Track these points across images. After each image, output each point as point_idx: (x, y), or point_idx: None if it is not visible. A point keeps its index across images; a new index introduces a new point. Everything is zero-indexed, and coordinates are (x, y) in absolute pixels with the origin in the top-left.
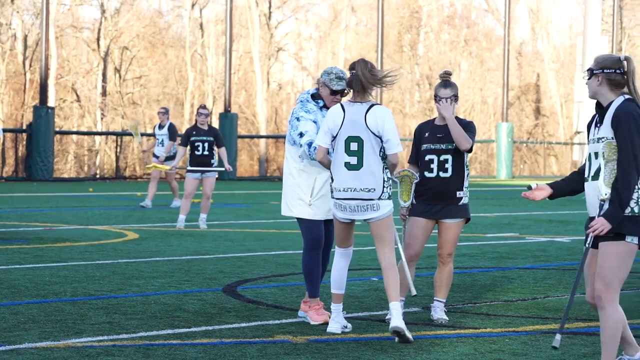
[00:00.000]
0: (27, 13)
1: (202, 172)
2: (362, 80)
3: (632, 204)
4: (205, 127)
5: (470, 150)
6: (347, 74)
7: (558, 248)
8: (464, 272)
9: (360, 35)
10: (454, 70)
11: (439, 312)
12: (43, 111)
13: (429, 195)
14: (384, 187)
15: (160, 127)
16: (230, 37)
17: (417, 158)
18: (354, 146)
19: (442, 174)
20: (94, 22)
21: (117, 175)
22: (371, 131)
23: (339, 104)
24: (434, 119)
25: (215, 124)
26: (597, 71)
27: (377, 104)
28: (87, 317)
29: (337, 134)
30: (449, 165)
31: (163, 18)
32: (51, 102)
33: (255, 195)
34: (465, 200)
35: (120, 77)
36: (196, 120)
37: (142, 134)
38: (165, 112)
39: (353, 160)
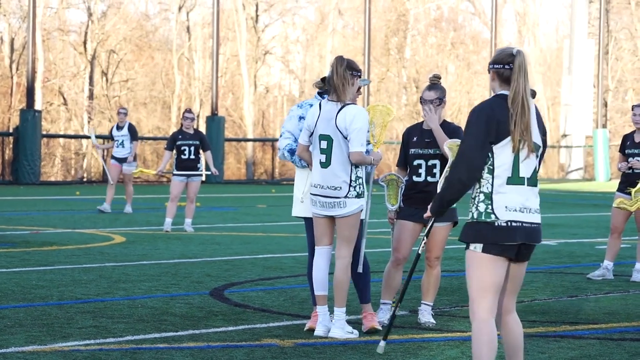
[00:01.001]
0: (14, 16)
1: (188, 176)
2: (333, 77)
3: (472, 209)
4: (191, 131)
5: None
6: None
7: (544, 251)
8: (451, 275)
9: (348, 38)
10: (440, 73)
11: (426, 315)
12: (30, 114)
13: (416, 200)
14: (350, 185)
15: (119, 128)
16: (217, 40)
17: (405, 162)
18: (324, 144)
19: (430, 179)
20: (81, 25)
21: (104, 179)
22: (340, 131)
23: (318, 102)
24: (422, 122)
25: (202, 127)
26: (489, 66)
27: (352, 104)
28: (74, 321)
29: (312, 132)
30: (437, 170)
31: (150, 21)
32: (38, 106)
33: (242, 199)
34: (452, 204)
35: (107, 80)
36: (182, 124)
37: (97, 136)
38: (125, 112)
39: (323, 158)
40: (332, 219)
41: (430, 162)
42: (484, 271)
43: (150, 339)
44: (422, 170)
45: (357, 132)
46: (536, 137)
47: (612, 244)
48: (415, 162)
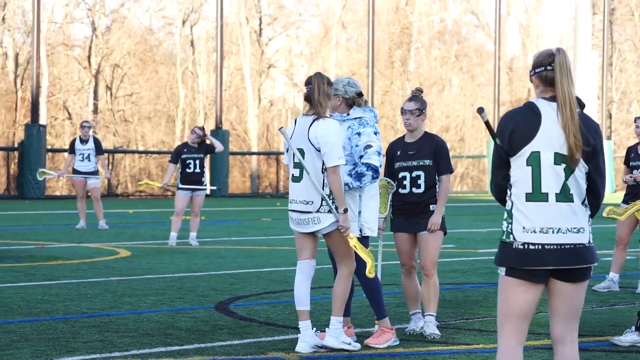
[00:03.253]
0: (18, 31)
1: (193, 190)
2: (314, 93)
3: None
4: (196, 145)
5: (452, 171)
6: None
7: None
8: (456, 287)
9: (351, 51)
10: (444, 86)
11: (431, 327)
12: (34, 129)
13: (404, 211)
14: (322, 199)
15: (83, 141)
16: (221, 54)
17: (391, 177)
18: (296, 158)
19: (414, 190)
20: (85, 40)
21: (109, 193)
22: (311, 144)
23: (295, 119)
24: (404, 136)
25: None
26: (530, 74)
27: (325, 117)
28: (80, 335)
29: (288, 146)
30: (421, 181)
31: (154, 35)
32: (43, 120)
33: (246, 212)
34: (433, 208)
35: (111, 94)
36: (189, 140)
37: (48, 173)
38: (89, 126)
39: (296, 172)
40: (313, 235)
41: (414, 174)
42: (509, 295)
43: (156, 353)
44: (407, 182)
45: (332, 147)
46: (561, 147)
47: (618, 255)
48: (401, 175)
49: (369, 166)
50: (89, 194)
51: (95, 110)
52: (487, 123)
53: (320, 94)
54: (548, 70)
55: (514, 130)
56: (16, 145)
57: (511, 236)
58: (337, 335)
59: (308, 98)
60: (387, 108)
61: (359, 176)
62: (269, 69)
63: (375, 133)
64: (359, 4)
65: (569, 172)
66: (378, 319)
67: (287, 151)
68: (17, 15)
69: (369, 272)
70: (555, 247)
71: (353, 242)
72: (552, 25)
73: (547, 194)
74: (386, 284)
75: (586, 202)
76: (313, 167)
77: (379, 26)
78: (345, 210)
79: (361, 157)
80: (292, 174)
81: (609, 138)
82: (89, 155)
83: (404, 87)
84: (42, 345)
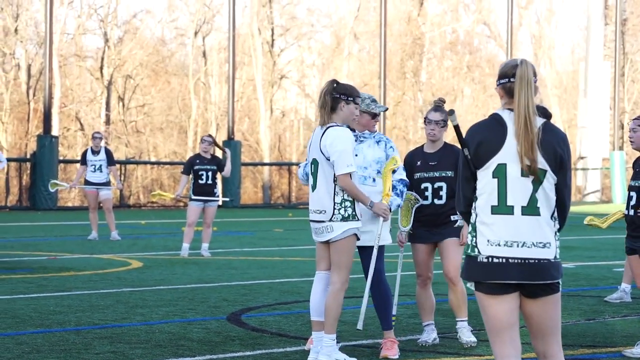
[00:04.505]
0: (31, 42)
1: (205, 201)
2: (319, 101)
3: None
4: (209, 156)
5: None
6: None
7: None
8: (469, 298)
9: (363, 62)
10: (456, 96)
11: (466, 333)
12: (47, 140)
13: (425, 222)
14: (334, 208)
15: (95, 152)
16: (233, 64)
17: (410, 187)
18: (313, 168)
19: (436, 201)
20: (97, 51)
21: (121, 204)
22: (322, 153)
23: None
24: (423, 145)
25: (219, 152)
26: (496, 83)
27: (336, 125)
28: (92, 347)
29: (307, 158)
30: (443, 193)
31: (166, 46)
32: (55, 131)
33: (259, 223)
34: (460, 224)
35: (123, 105)
36: (200, 149)
37: (60, 185)
38: (100, 137)
39: (312, 181)
40: (326, 243)
41: (437, 185)
42: (486, 309)
43: None
44: (429, 194)
45: (340, 154)
46: (540, 161)
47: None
48: (422, 186)
49: (404, 183)
50: (101, 205)
51: (108, 121)
52: (456, 127)
53: (319, 103)
54: (511, 82)
55: (481, 142)
56: (28, 156)
57: (476, 249)
58: (330, 354)
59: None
60: (399, 119)
61: (402, 194)
62: (281, 79)
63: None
64: (371, 15)
65: (537, 184)
66: (386, 329)
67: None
68: (30, 27)
69: None
70: (519, 261)
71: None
72: (564, 35)
73: (512, 206)
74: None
75: (555, 215)
76: (324, 176)
77: (391, 37)
78: (372, 204)
79: (394, 172)
80: (310, 184)
81: (621, 149)
82: (100, 166)
83: (416, 97)
84: (54, 356)
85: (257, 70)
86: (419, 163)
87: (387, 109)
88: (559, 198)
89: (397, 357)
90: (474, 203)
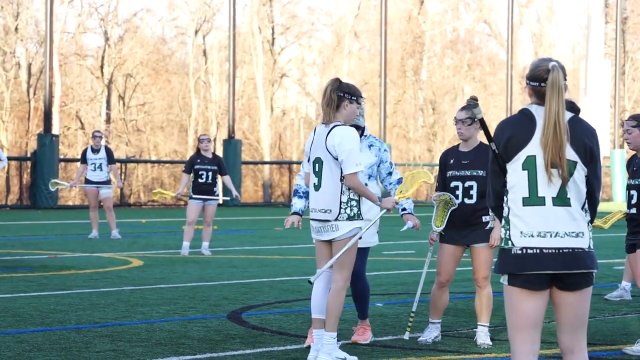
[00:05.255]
0: (31, 41)
1: (205, 200)
2: (322, 100)
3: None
4: (210, 155)
5: None
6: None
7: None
8: (469, 296)
9: (364, 60)
10: (457, 95)
11: (482, 337)
12: (47, 139)
13: (455, 222)
14: (340, 208)
15: (95, 151)
16: (233, 63)
17: (443, 186)
18: (317, 167)
19: (467, 201)
20: (98, 49)
21: (122, 202)
22: (329, 152)
23: (314, 127)
24: (459, 144)
25: (220, 150)
26: (526, 81)
27: (341, 124)
28: (92, 345)
29: (309, 156)
30: (473, 192)
31: (166, 45)
32: (55, 130)
33: (259, 222)
34: (492, 225)
35: (124, 104)
36: (199, 148)
37: (62, 184)
38: (100, 135)
39: (316, 181)
40: (330, 243)
41: (467, 184)
42: (515, 305)
43: None
44: (459, 192)
45: (348, 154)
46: (570, 154)
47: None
48: (452, 184)
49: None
50: (102, 203)
51: (108, 120)
52: (481, 121)
53: (324, 101)
54: (542, 87)
55: (510, 137)
56: (29, 155)
57: (509, 242)
58: (331, 352)
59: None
60: (399, 117)
61: (399, 182)
62: (282, 78)
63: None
64: (372, 13)
65: (567, 176)
66: (361, 318)
67: (309, 160)
68: (30, 25)
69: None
70: (553, 251)
71: (407, 193)
72: (565, 34)
73: (544, 197)
74: (400, 293)
75: (586, 206)
76: (331, 175)
77: (392, 35)
78: (380, 199)
79: (390, 173)
80: (313, 183)
81: (621, 147)
82: (100, 164)
83: (416, 96)
84: (54, 355)
85: (257, 69)
86: (451, 161)
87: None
88: (590, 190)
89: (367, 342)
90: (505, 197)
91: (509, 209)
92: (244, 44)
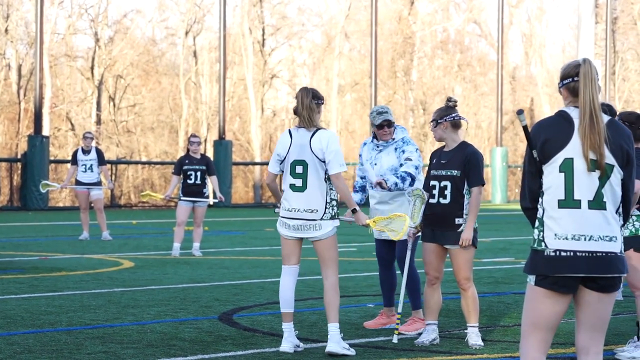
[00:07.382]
0: (21, 42)
1: (194, 201)
2: (298, 107)
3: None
4: (198, 156)
5: (483, 184)
6: (385, 109)
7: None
8: (459, 297)
9: (354, 61)
10: (447, 95)
11: (473, 337)
12: (38, 140)
13: (431, 221)
14: (326, 207)
15: (85, 152)
16: (223, 64)
17: (426, 184)
18: (299, 169)
19: (441, 200)
20: (88, 50)
21: (112, 204)
22: (315, 155)
23: (287, 131)
24: (444, 145)
25: (210, 151)
26: (559, 85)
27: (323, 129)
28: (83, 347)
29: (284, 158)
30: (447, 192)
31: (157, 46)
32: (46, 131)
33: (250, 223)
34: (464, 227)
35: (114, 105)
36: (188, 149)
37: (51, 185)
38: (91, 137)
39: (298, 182)
40: (301, 240)
41: (443, 184)
42: (537, 306)
43: None
44: (436, 192)
45: (335, 155)
46: (607, 156)
47: None
48: (431, 184)
49: (407, 174)
50: (92, 205)
51: (99, 121)
52: (524, 127)
53: (304, 108)
54: (575, 81)
55: (547, 139)
56: (19, 156)
57: (543, 243)
58: (339, 341)
59: (295, 111)
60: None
61: (403, 179)
62: (272, 79)
63: (416, 150)
64: (362, 14)
65: (604, 179)
66: (413, 309)
67: (282, 162)
68: (20, 27)
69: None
70: (587, 254)
71: (378, 226)
72: (555, 34)
73: (579, 200)
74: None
75: (620, 210)
76: (317, 177)
77: (382, 36)
78: (355, 210)
79: (401, 165)
80: (293, 184)
81: None
82: (91, 165)
83: (407, 96)
84: (45, 357)
85: (247, 70)
86: (434, 161)
87: (389, 122)
88: (625, 193)
89: (413, 333)
90: (540, 198)
91: (543, 210)
92: (234, 44)
